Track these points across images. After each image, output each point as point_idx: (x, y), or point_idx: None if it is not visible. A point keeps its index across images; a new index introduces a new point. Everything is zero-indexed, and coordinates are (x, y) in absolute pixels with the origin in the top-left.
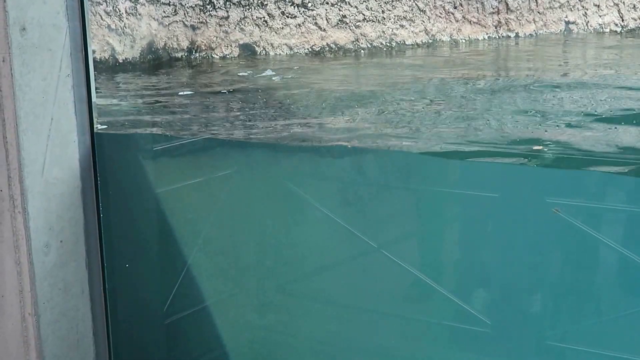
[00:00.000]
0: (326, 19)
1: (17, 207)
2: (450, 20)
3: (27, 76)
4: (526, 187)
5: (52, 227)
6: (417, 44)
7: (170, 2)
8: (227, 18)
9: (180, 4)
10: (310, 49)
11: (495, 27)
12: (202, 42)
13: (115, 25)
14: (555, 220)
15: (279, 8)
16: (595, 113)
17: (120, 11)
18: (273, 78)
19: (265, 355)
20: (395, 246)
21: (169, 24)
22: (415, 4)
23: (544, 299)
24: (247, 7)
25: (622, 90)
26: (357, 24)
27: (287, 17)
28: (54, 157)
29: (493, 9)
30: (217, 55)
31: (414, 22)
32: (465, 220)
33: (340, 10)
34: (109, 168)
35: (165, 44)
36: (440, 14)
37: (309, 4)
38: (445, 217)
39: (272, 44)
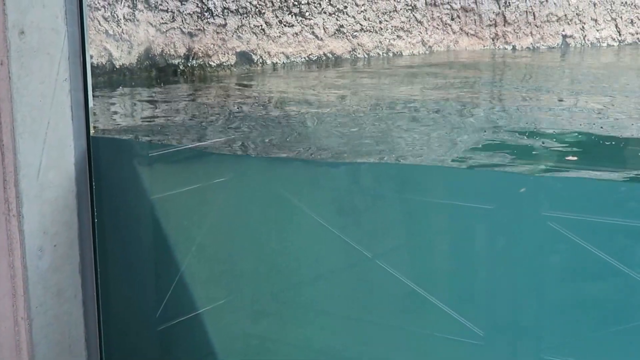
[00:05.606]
0: (323, 29)
1: (11, 210)
2: (448, 32)
3: (24, 79)
4: (521, 199)
5: (46, 231)
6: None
7: (168, 8)
8: (224, 26)
9: (178, 10)
10: (307, 58)
11: (493, 40)
12: (199, 49)
13: (113, 30)
14: (551, 233)
15: (277, 17)
16: None
17: (118, 17)
18: None
19: None
20: (390, 256)
21: (166, 31)
22: (413, 15)
23: (539, 312)
24: (245, 15)
25: None
26: (355, 33)
27: (285, 25)
28: (50, 161)
29: (490, 21)
30: (213, 62)
31: (411, 33)
32: (459, 231)
33: (337, 20)
34: (104, 173)
35: (162, 51)
36: (438, 25)
37: (307, 13)
38: (440, 228)
39: (269, 52)
